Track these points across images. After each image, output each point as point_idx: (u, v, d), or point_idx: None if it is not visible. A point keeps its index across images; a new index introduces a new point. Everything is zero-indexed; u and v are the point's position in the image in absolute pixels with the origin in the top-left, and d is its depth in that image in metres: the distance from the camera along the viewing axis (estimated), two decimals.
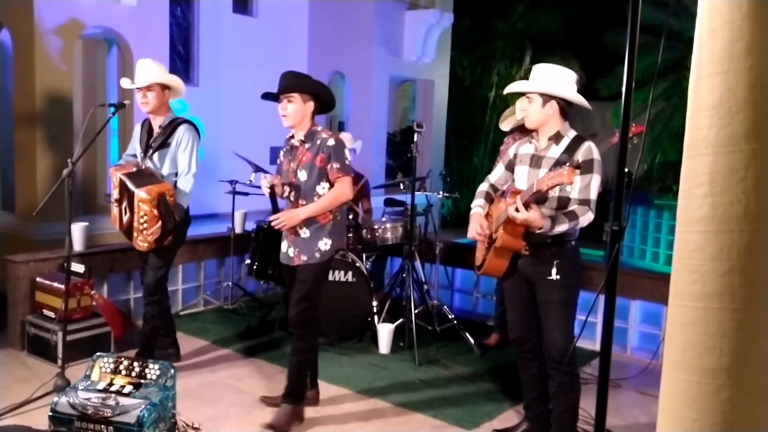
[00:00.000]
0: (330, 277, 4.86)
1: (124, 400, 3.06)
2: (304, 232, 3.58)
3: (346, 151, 3.60)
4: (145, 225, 3.82)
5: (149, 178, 3.96)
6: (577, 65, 10.46)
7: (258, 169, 4.94)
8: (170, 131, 4.11)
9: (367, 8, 9.40)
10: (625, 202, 2.14)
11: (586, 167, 3.03)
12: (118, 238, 4.24)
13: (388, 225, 5.26)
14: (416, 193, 4.95)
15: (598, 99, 10.30)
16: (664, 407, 1.73)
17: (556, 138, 3.15)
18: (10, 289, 4.64)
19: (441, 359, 4.71)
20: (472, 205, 3.46)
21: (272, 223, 3.57)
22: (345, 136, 5.55)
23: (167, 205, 3.87)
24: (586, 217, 3.03)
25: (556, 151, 3.13)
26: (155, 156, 4.12)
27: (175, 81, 4.19)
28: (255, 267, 4.96)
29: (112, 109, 4.02)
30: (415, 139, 4.74)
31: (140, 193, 3.78)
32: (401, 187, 5.66)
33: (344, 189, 3.53)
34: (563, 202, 3.08)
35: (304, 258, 3.59)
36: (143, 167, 4.08)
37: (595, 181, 3.06)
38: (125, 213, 3.96)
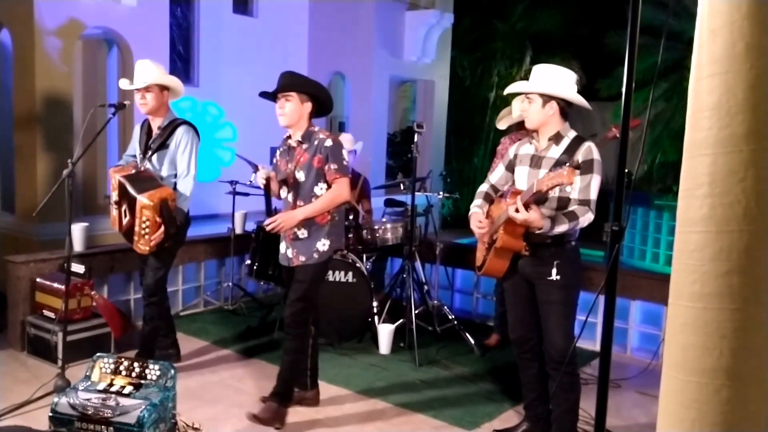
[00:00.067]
0: (330, 278, 4.86)
1: (124, 401, 3.06)
2: (303, 233, 3.57)
3: (344, 152, 3.59)
4: (147, 230, 3.81)
5: (149, 182, 3.95)
6: (578, 66, 10.48)
7: (258, 169, 4.94)
8: (169, 132, 4.11)
9: (367, 8, 9.40)
10: (625, 202, 2.14)
11: (586, 167, 3.03)
12: (118, 238, 4.24)
13: (389, 225, 5.26)
14: (416, 193, 4.95)
15: (599, 99, 10.30)
16: (664, 407, 1.73)
17: (556, 138, 3.15)
18: (11, 289, 4.64)
19: (441, 360, 4.71)
20: (471, 206, 3.47)
21: (268, 227, 3.56)
22: (345, 137, 5.55)
23: (169, 211, 3.86)
24: (586, 218, 3.03)
25: (556, 151, 3.13)
26: (154, 157, 4.12)
27: (173, 82, 4.19)
28: (255, 267, 4.96)
29: (113, 110, 4.02)
30: (415, 139, 4.74)
31: (142, 199, 3.77)
32: (401, 187, 5.66)
33: (342, 190, 3.53)
34: (563, 202, 3.08)
35: (302, 259, 3.59)
36: (142, 169, 4.07)
37: (595, 182, 3.06)
38: (125, 215, 3.96)
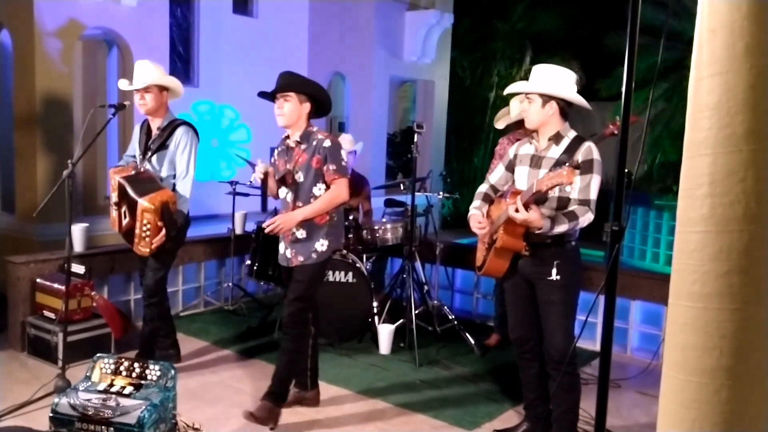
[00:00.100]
0: (330, 278, 4.86)
1: (124, 401, 3.06)
2: (301, 234, 3.57)
3: (343, 153, 3.59)
4: (148, 233, 3.80)
5: (149, 184, 3.94)
6: (578, 66, 10.47)
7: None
8: (169, 133, 4.10)
9: (367, 9, 9.40)
10: (625, 202, 2.14)
11: (585, 167, 3.03)
12: (118, 239, 4.24)
13: (389, 226, 5.26)
14: (416, 193, 4.95)
15: (599, 99, 10.30)
16: (664, 407, 1.73)
17: (556, 138, 3.15)
18: (11, 290, 4.64)
19: (441, 360, 4.71)
20: (470, 208, 3.46)
21: (267, 229, 3.55)
22: (346, 138, 5.55)
23: (170, 213, 3.87)
24: (586, 218, 3.03)
25: (556, 151, 3.13)
26: (154, 158, 4.11)
27: (172, 82, 4.18)
28: (255, 268, 4.96)
29: (113, 110, 4.02)
30: (415, 139, 4.74)
31: (143, 203, 3.76)
32: (401, 187, 5.66)
33: (341, 191, 3.52)
34: (563, 202, 3.08)
35: (300, 259, 3.59)
36: (142, 170, 4.07)
37: (595, 182, 3.05)
38: (125, 217, 3.95)
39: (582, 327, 2.57)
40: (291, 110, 3.51)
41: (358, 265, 4.97)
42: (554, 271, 3.11)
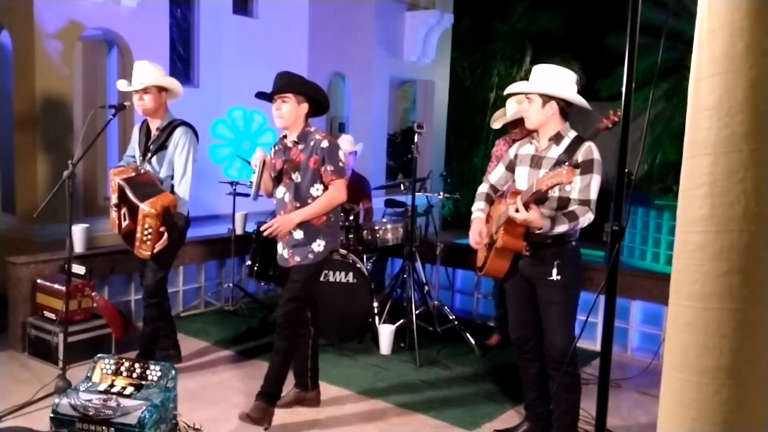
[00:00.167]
0: (331, 278, 4.87)
1: (125, 402, 3.06)
2: (298, 234, 3.57)
3: (340, 153, 3.58)
4: (150, 237, 3.79)
5: (150, 187, 3.93)
6: (578, 66, 10.46)
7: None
8: (168, 133, 4.10)
9: (367, 9, 9.40)
10: (626, 202, 2.14)
11: (586, 167, 3.03)
12: (118, 239, 4.24)
13: (389, 226, 5.26)
14: (417, 194, 4.95)
15: (599, 100, 10.29)
16: (664, 407, 1.74)
17: (557, 138, 3.15)
18: (11, 290, 4.64)
19: (442, 360, 4.71)
20: (473, 209, 3.46)
21: (266, 232, 3.54)
22: (346, 139, 5.55)
23: (171, 217, 3.86)
24: (586, 218, 3.04)
25: (556, 151, 3.13)
26: (154, 159, 4.11)
27: (171, 83, 4.18)
28: (255, 268, 4.94)
29: (113, 111, 4.02)
30: (415, 139, 4.74)
31: (144, 208, 3.75)
32: (402, 188, 5.66)
33: (339, 192, 3.52)
34: (563, 202, 3.08)
35: (297, 259, 3.58)
36: (142, 171, 4.06)
37: (595, 182, 3.06)
38: (124, 219, 3.95)
39: (582, 327, 2.57)
40: (289, 111, 3.50)
41: (358, 265, 4.97)
42: (555, 271, 3.11)
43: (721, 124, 1.59)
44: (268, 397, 3.58)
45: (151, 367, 3.28)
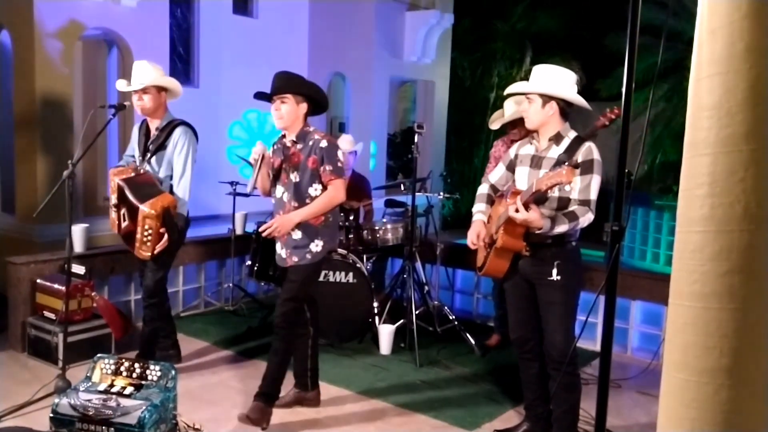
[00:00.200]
0: (331, 278, 4.87)
1: (125, 402, 3.06)
2: (296, 234, 3.56)
3: (339, 153, 3.57)
4: (150, 239, 3.79)
5: (149, 187, 3.92)
6: (578, 66, 10.46)
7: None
8: (167, 133, 4.10)
9: (367, 9, 9.40)
10: (626, 202, 2.14)
11: (586, 168, 3.03)
12: (118, 239, 4.24)
13: (389, 226, 5.27)
14: (417, 194, 4.95)
15: (599, 100, 10.29)
16: (664, 407, 1.73)
17: (557, 139, 3.15)
18: (11, 290, 4.64)
19: (442, 360, 4.71)
20: (474, 210, 3.46)
21: (264, 233, 3.54)
22: (346, 139, 5.56)
23: (171, 218, 3.86)
24: (586, 218, 3.03)
25: (556, 151, 3.13)
26: (153, 159, 4.11)
27: (171, 83, 4.17)
28: (255, 268, 4.96)
29: (113, 111, 4.02)
30: (415, 140, 4.74)
31: (144, 209, 3.74)
32: (402, 188, 5.66)
33: (338, 192, 3.51)
34: (563, 202, 3.08)
35: (295, 259, 3.58)
36: (141, 171, 4.06)
37: (595, 182, 3.05)
38: (124, 219, 3.94)
39: (582, 327, 2.57)
40: (288, 112, 3.50)
41: (358, 265, 4.97)
42: (555, 271, 3.11)
43: (721, 124, 1.59)
44: (266, 397, 3.58)
45: (151, 367, 3.28)
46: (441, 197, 5.62)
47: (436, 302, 5.25)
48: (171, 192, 4.04)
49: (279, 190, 3.64)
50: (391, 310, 5.08)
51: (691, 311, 1.64)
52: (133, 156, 4.29)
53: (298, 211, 3.52)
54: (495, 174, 3.46)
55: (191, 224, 4.28)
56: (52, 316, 4.40)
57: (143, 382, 3.22)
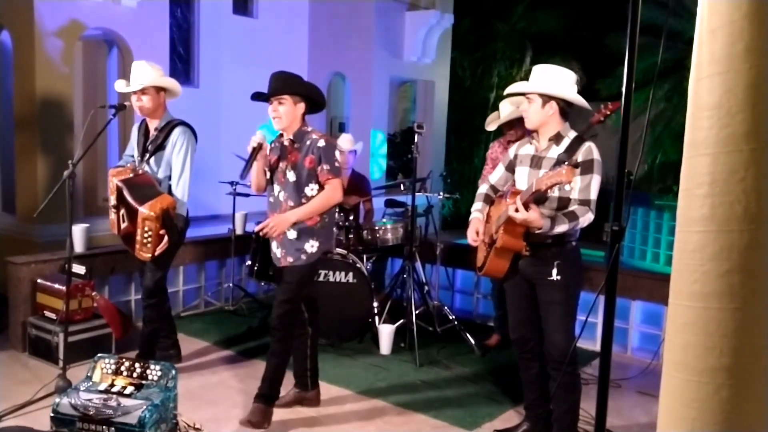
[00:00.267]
0: (331, 278, 4.87)
1: (125, 401, 3.06)
2: (291, 233, 3.54)
3: (336, 153, 3.57)
4: (150, 240, 3.78)
5: (148, 189, 3.91)
6: (578, 66, 10.47)
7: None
8: (166, 133, 4.09)
9: (367, 9, 9.41)
10: (626, 202, 2.14)
11: (586, 167, 3.03)
12: (118, 239, 4.24)
13: (389, 226, 5.27)
14: (417, 194, 4.95)
15: (599, 99, 10.29)
16: (665, 407, 1.74)
17: (557, 138, 3.15)
18: (11, 290, 4.64)
19: (442, 360, 4.71)
20: (472, 209, 3.46)
21: (261, 232, 3.53)
22: (345, 138, 5.56)
23: (171, 219, 3.85)
24: (586, 218, 3.03)
25: (556, 151, 3.13)
26: (152, 159, 4.10)
27: (170, 83, 4.16)
28: (255, 268, 4.93)
29: (113, 111, 4.02)
30: (415, 140, 4.74)
31: (143, 211, 3.73)
32: (402, 188, 5.67)
33: (335, 192, 3.50)
34: (563, 202, 3.08)
35: (289, 259, 3.57)
36: (140, 172, 4.05)
37: (595, 182, 3.05)
38: (123, 221, 3.93)
39: (582, 327, 2.58)
40: (286, 112, 3.49)
41: (358, 265, 4.97)
42: (555, 271, 3.11)
43: (721, 124, 1.59)
44: (266, 398, 3.58)
45: (152, 366, 3.28)
46: (441, 197, 5.63)
47: (436, 302, 5.25)
48: (170, 192, 4.03)
49: (275, 189, 3.62)
50: (391, 310, 5.08)
51: (691, 311, 1.65)
52: (133, 156, 4.28)
53: (294, 211, 3.50)
54: (495, 174, 3.46)
55: (191, 224, 4.28)
56: (52, 315, 4.40)
57: (144, 382, 3.22)
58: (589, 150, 3.07)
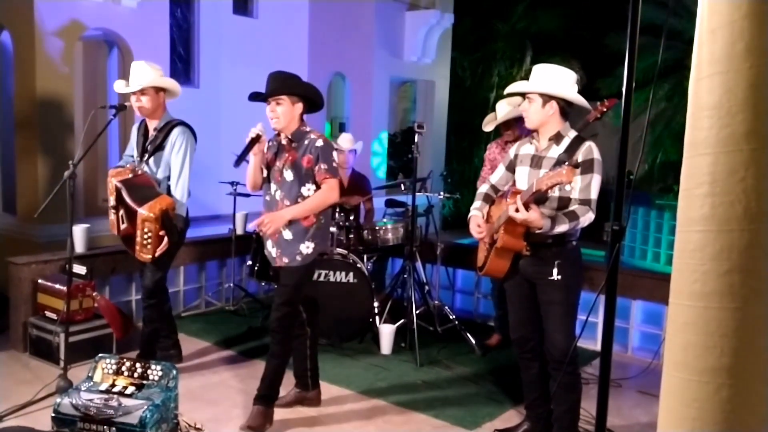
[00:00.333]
0: (331, 278, 4.87)
1: (126, 401, 3.07)
2: (287, 234, 3.53)
3: (334, 154, 3.56)
4: (149, 242, 3.78)
5: (147, 189, 3.91)
6: (578, 65, 10.47)
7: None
8: (165, 133, 4.08)
9: (368, 9, 9.41)
10: (626, 202, 2.14)
11: (586, 167, 3.03)
12: (119, 240, 4.25)
13: (389, 226, 5.27)
14: (417, 193, 4.95)
15: (599, 99, 10.29)
16: (665, 407, 1.74)
17: (557, 138, 3.15)
18: (12, 290, 4.64)
19: (442, 360, 4.71)
20: (471, 208, 3.46)
21: (257, 228, 3.51)
22: (345, 137, 5.56)
23: (170, 220, 3.84)
24: (587, 217, 3.03)
25: (557, 151, 3.13)
26: (151, 160, 4.10)
27: (169, 83, 4.16)
28: (256, 268, 4.96)
29: (113, 111, 4.01)
30: (415, 139, 4.74)
31: (143, 212, 3.73)
32: (402, 188, 5.67)
33: (332, 191, 3.49)
34: (564, 202, 3.08)
35: (285, 260, 3.56)
36: (139, 172, 4.05)
37: (596, 181, 3.05)
38: (122, 222, 3.93)
39: (583, 327, 2.58)
40: (284, 113, 3.47)
41: (358, 265, 4.97)
42: (555, 271, 3.11)
43: (722, 124, 1.59)
44: (266, 399, 3.59)
45: (152, 366, 3.28)
46: (441, 197, 5.63)
47: (436, 302, 5.26)
48: (169, 193, 4.03)
49: (272, 187, 3.60)
50: (391, 310, 5.09)
51: (692, 310, 1.65)
52: (133, 156, 4.28)
53: (289, 208, 3.49)
54: (495, 174, 3.46)
55: (191, 224, 4.28)
56: (53, 316, 4.41)
57: (144, 382, 3.22)
58: (590, 149, 3.07)
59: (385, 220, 5.61)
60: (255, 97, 3.54)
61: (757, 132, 1.56)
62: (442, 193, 5.65)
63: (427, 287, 5.24)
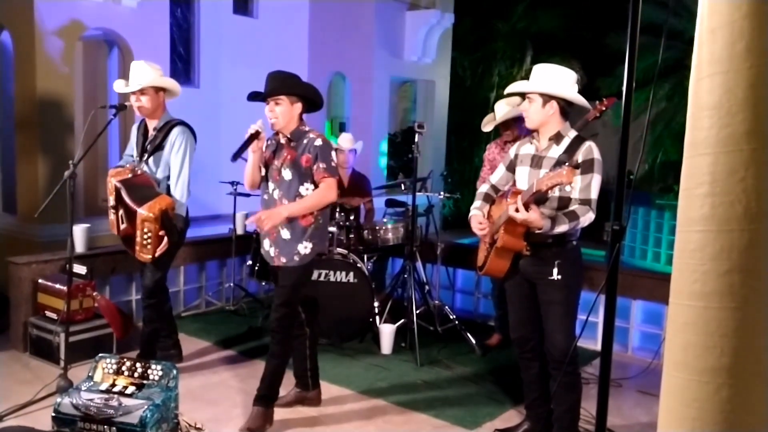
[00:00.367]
0: (331, 278, 4.87)
1: (126, 401, 3.07)
2: (285, 233, 3.53)
3: (333, 153, 3.56)
4: (149, 242, 3.77)
5: (147, 189, 3.91)
6: (578, 65, 10.47)
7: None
8: (165, 133, 4.08)
9: (368, 8, 9.41)
10: (626, 202, 2.14)
11: (586, 167, 3.03)
12: (119, 239, 4.25)
13: (390, 226, 5.27)
14: (417, 193, 4.95)
15: (600, 99, 10.28)
16: (665, 407, 1.74)
17: (557, 138, 3.15)
18: (13, 290, 4.65)
19: (442, 360, 4.71)
20: (471, 208, 3.46)
21: (255, 225, 3.50)
22: (345, 137, 5.56)
23: (170, 220, 3.84)
24: (587, 217, 3.03)
25: (557, 151, 3.13)
26: (151, 160, 4.10)
27: (169, 83, 4.16)
28: (256, 268, 4.97)
29: (113, 111, 4.01)
30: (416, 139, 4.74)
31: (142, 212, 3.72)
32: (402, 187, 5.67)
33: (329, 190, 3.48)
34: (564, 202, 3.08)
35: (283, 260, 3.55)
36: (138, 172, 4.05)
37: (596, 181, 3.05)
38: (122, 222, 3.93)
39: (583, 326, 2.58)
40: (283, 113, 3.47)
41: (359, 265, 4.97)
42: (555, 270, 3.11)
43: (722, 124, 1.59)
44: (265, 400, 3.58)
45: (153, 366, 3.28)
46: (441, 197, 5.63)
47: (436, 302, 5.26)
48: (168, 193, 4.03)
49: (270, 186, 3.59)
50: (391, 310, 5.09)
51: (692, 310, 1.65)
52: (133, 156, 4.27)
53: (287, 206, 3.47)
54: (496, 174, 3.46)
55: (192, 224, 4.28)
56: (53, 316, 4.41)
57: (145, 382, 3.22)
58: (590, 149, 3.07)
59: (385, 219, 5.61)
60: (254, 96, 3.54)
61: (757, 132, 1.56)
62: (442, 192, 5.65)
63: (427, 287, 5.24)
